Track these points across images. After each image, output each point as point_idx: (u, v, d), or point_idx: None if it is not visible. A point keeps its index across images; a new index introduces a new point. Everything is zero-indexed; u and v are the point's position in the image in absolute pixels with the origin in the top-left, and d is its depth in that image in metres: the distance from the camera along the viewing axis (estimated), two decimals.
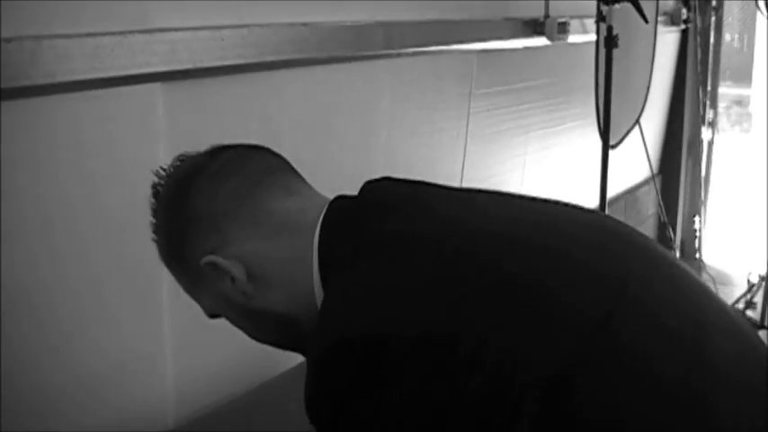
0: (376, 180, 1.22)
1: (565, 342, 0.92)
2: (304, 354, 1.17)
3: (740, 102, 10.26)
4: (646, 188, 4.64)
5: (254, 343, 1.24)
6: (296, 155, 2.02)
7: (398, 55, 2.32)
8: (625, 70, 2.86)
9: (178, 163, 1.25)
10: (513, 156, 3.20)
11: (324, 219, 1.13)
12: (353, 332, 0.95)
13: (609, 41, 2.66)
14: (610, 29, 2.65)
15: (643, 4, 2.77)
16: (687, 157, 5.05)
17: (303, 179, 1.27)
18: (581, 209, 1.19)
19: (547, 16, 2.99)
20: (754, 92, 9.04)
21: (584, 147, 3.69)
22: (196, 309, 1.23)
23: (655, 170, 4.12)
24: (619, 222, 1.18)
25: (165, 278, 1.74)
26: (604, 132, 2.77)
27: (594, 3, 2.87)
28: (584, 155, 3.73)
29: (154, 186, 1.23)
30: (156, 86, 1.68)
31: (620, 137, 3.07)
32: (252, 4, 1.87)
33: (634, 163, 4.04)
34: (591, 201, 4.14)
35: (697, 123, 5.04)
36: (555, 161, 3.56)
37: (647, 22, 2.84)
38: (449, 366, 0.91)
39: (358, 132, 2.26)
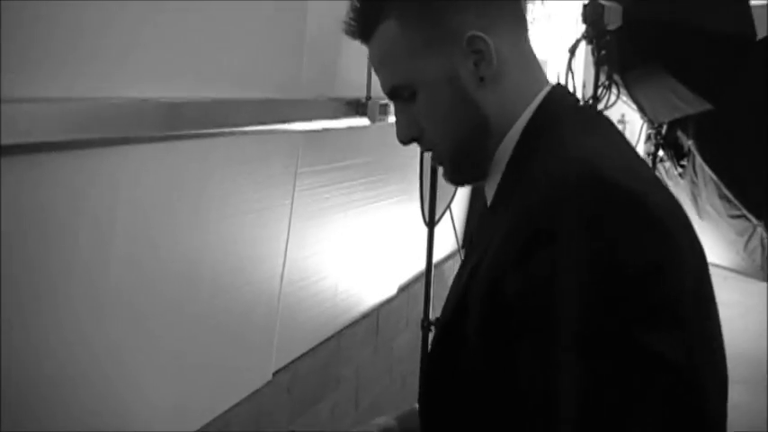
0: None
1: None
2: (454, 170, 1.35)
3: None
4: (450, 262, 4.78)
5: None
6: (132, 231, 1.98)
7: (230, 133, 2.31)
8: None
9: None
10: (334, 232, 3.23)
11: (553, 88, 1.31)
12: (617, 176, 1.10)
13: None
14: None
15: None
16: None
17: None
18: None
19: (369, 98, 3.05)
20: None
21: (401, 222, 3.77)
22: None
23: (460, 243, 4.25)
24: None
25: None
26: (430, 215, 2.85)
27: None
28: (402, 230, 3.81)
29: None
30: None
31: (438, 217, 3.16)
32: (93, 76, 1.82)
33: (441, 237, 4.16)
34: (408, 274, 4.25)
35: None
36: (373, 236, 3.62)
37: None
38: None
39: (190, 211, 2.22)
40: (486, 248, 1.19)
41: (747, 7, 4.19)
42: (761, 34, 4.43)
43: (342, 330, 3.54)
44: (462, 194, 4.84)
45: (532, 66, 1.32)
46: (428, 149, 1.36)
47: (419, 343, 3.34)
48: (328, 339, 3.42)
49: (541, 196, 1.10)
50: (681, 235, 1.12)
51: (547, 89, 1.29)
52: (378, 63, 1.34)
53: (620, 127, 6.57)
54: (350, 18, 1.33)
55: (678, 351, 1.01)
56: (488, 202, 1.34)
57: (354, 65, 3.02)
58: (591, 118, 1.32)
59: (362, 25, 1.32)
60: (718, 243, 5.26)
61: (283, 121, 2.56)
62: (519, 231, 1.09)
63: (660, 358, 1.00)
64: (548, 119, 1.25)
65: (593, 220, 1.04)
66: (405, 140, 1.34)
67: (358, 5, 1.32)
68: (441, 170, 1.39)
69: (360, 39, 1.34)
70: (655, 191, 1.14)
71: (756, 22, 4.66)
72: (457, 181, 1.40)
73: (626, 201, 1.06)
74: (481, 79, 1.25)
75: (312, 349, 3.28)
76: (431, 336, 3.03)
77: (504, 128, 1.27)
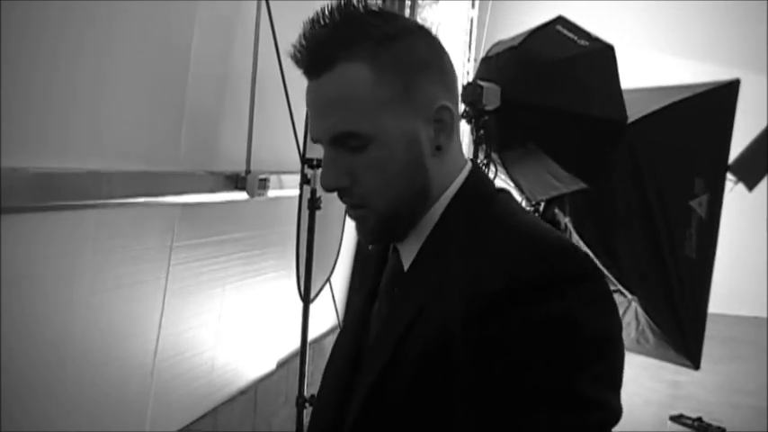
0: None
1: None
2: (378, 229, 1.26)
3: None
4: (331, 337, 4.76)
5: None
6: None
7: (104, 205, 2.27)
8: (321, 229, 2.96)
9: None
10: (210, 309, 3.19)
11: (472, 170, 1.30)
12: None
13: (312, 204, 2.75)
14: (313, 192, 2.75)
15: None
16: None
17: None
18: None
19: (248, 172, 3.05)
20: None
21: (281, 297, 3.75)
22: None
23: (341, 318, 4.25)
24: None
25: None
26: (305, 291, 2.84)
27: (293, 159, 2.98)
28: (280, 305, 3.78)
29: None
30: None
31: (316, 292, 3.15)
32: None
33: (321, 312, 4.15)
34: (288, 349, 4.20)
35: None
36: (250, 312, 3.58)
37: None
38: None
39: (58, 284, 2.17)
40: (419, 309, 1.18)
41: (619, 94, 4.36)
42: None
43: (218, 407, 3.48)
44: (343, 269, 4.85)
45: (459, 140, 1.33)
46: (353, 203, 1.26)
47: None
48: (204, 416, 3.35)
49: (508, 260, 1.11)
50: None
51: (469, 165, 1.30)
52: (329, 103, 1.20)
53: None
54: (304, 46, 1.19)
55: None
56: (405, 265, 1.29)
57: (234, 138, 3.03)
58: (510, 195, 1.32)
59: (321, 58, 1.19)
60: None
61: (159, 194, 2.53)
62: (483, 292, 1.09)
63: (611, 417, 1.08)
64: (475, 192, 1.27)
65: (564, 284, 1.09)
66: (332, 188, 1.24)
67: (321, 35, 1.19)
68: (353, 225, 1.30)
69: (308, 72, 1.21)
70: None
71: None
72: (377, 239, 1.33)
73: (593, 270, 1.13)
74: (437, 148, 1.24)
75: (187, 426, 3.21)
76: (306, 412, 2.99)
77: (438, 196, 1.26)
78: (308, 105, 1.23)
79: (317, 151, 2.80)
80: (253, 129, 3.06)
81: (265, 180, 3.10)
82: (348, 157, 1.21)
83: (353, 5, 1.21)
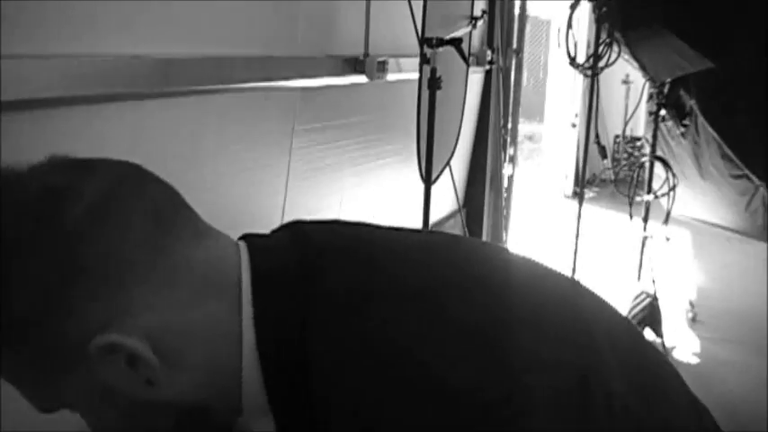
0: (294, 223, 0.94)
1: None
2: None
3: (531, 137, 10.80)
4: (452, 221, 4.78)
5: None
6: None
7: (225, 90, 2.30)
8: (441, 110, 2.93)
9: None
10: (331, 192, 3.22)
11: (254, 272, 0.85)
12: None
13: (432, 83, 2.71)
14: (433, 71, 2.71)
15: None
16: (490, 190, 5.24)
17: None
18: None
19: (367, 55, 3.04)
20: (546, 128, 9.53)
21: (398, 182, 3.76)
22: None
23: (461, 203, 4.25)
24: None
25: None
26: (427, 171, 2.83)
27: (411, 42, 2.94)
28: (399, 190, 3.80)
29: None
30: None
31: (436, 174, 3.14)
32: (89, 34, 1.81)
33: (441, 197, 4.15)
34: None
35: (498, 158, 5.24)
36: (370, 196, 3.61)
37: (468, 65, 2.92)
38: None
39: (183, 168, 2.22)
40: None
41: None
42: None
43: None
44: (462, 152, 4.82)
45: (220, 287, 0.84)
46: None
47: None
48: None
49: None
50: None
51: (246, 283, 0.84)
52: None
53: (623, 87, 6.47)
54: None
55: None
56: None
57: (351, 21, 3.00)
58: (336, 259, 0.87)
59: None
60: (719, 203, 5.24)
61: (279, 79, 2.55)
62: None
63: None
64: (284, 324, 0.82)
65: None
66: None
67: None
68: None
69: None
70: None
71: None
72: None
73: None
74: (149, 383, 0.81)
75: None
76: None
77: (232, 392, 0.84)
78: None
79: (435, 31, 2.76)
80: (370, 11, 3.03)
81: (384, 63, 3.08)
82: None
83: None
